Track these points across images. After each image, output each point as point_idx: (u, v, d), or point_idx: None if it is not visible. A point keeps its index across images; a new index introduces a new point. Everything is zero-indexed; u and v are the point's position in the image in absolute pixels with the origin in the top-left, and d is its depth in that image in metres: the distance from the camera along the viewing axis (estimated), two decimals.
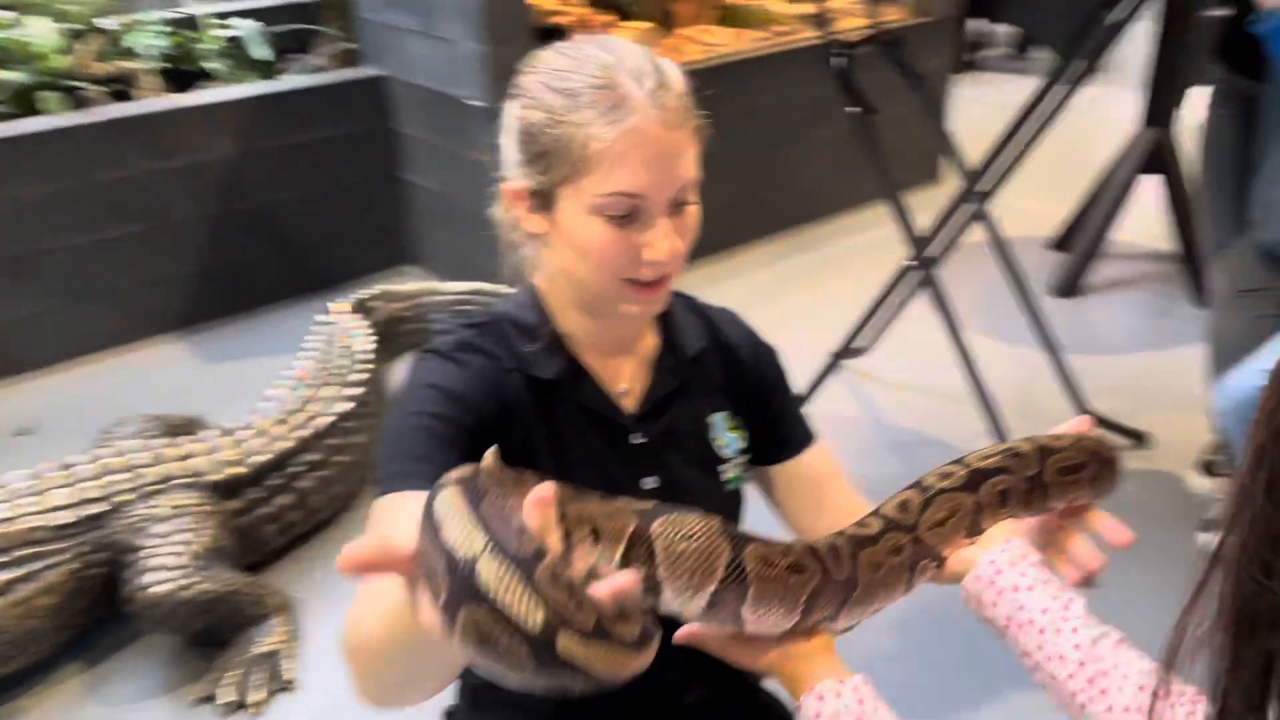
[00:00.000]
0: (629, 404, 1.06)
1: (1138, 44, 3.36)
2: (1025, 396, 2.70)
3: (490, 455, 0.75)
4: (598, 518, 0.71)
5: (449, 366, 1.00)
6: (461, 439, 0.96)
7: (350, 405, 2.43)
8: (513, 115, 0.98)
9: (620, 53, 0.93)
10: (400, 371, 3.17)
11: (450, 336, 1.04)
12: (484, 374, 1.00)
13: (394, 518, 0.92)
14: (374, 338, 2.79)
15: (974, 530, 0.87)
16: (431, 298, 3.19)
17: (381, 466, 0.98)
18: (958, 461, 0.89)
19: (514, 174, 0.99)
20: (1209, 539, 2.19)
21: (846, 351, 2.53)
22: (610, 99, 0.90)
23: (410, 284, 3.21)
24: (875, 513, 0.87)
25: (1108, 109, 4.48)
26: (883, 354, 2.76)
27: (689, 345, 1.10)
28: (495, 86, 3.01)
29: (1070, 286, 3.44)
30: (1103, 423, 2.62)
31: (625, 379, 1.06)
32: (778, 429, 1.15)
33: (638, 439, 1.05)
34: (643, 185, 0.91)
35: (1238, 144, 2.11)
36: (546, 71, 0.95)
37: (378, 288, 3.10)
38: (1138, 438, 2.60)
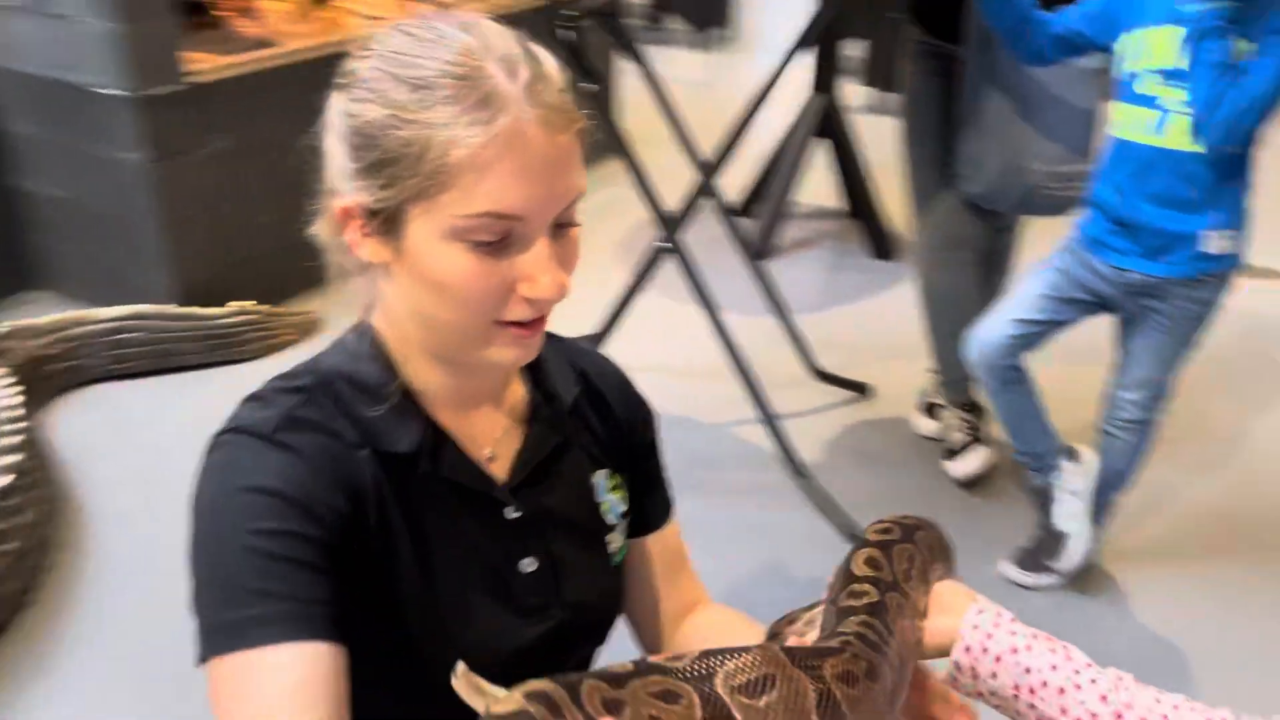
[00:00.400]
0: (498, 471, 0.85)
1: (785, 13, 3.54)
2: (753, 361, 2.73)
3: (463, 679, 0.57)
4: (657, 710, 0.53)
5: (275, 456, 0.74)
6: (312, 555, 0.73)
7: (9, 479, 1.94)
8: (339, 111, 0.74)
9: (484, 34, 0.72)
10: (58, 421, 2.78)
11: (265, 409, 0.77)
12: (324, 460, 0.76)
13: (263, 689, 0.69)
14: (19, 387, 2.26)
15: (927, 582, 0.79)
16: (80, 329, 2.67)
17: (206, 611, 0.72)
18: (879, 520, 0.82)
19: (344, 186, 0.75)
20: (955, 466, 2.33)
21: (599, 338, 2.41)
22: (476, 92, 0.69)
23: (49, 315, 2.66)
24: (853, 579, 0.75)
25: (738, 77, 4.71)
26: (615, 338, 2.67)
27: (564, 393, 0.90)
28: (135, 71, 2.54)
29: (762, 250, 3.55)
30: (830, 378, 2.72)
31: (491, 441, 0.85)
32: (652, 491, 0.99)
33: (512, 513, 0.84)
34: (520, 203, 0.70)
35: (939, 102, 2.23)
36: (388, 56, 0.72)
37: (7, 324, 2.53)
38: (861, 390, 2.73)
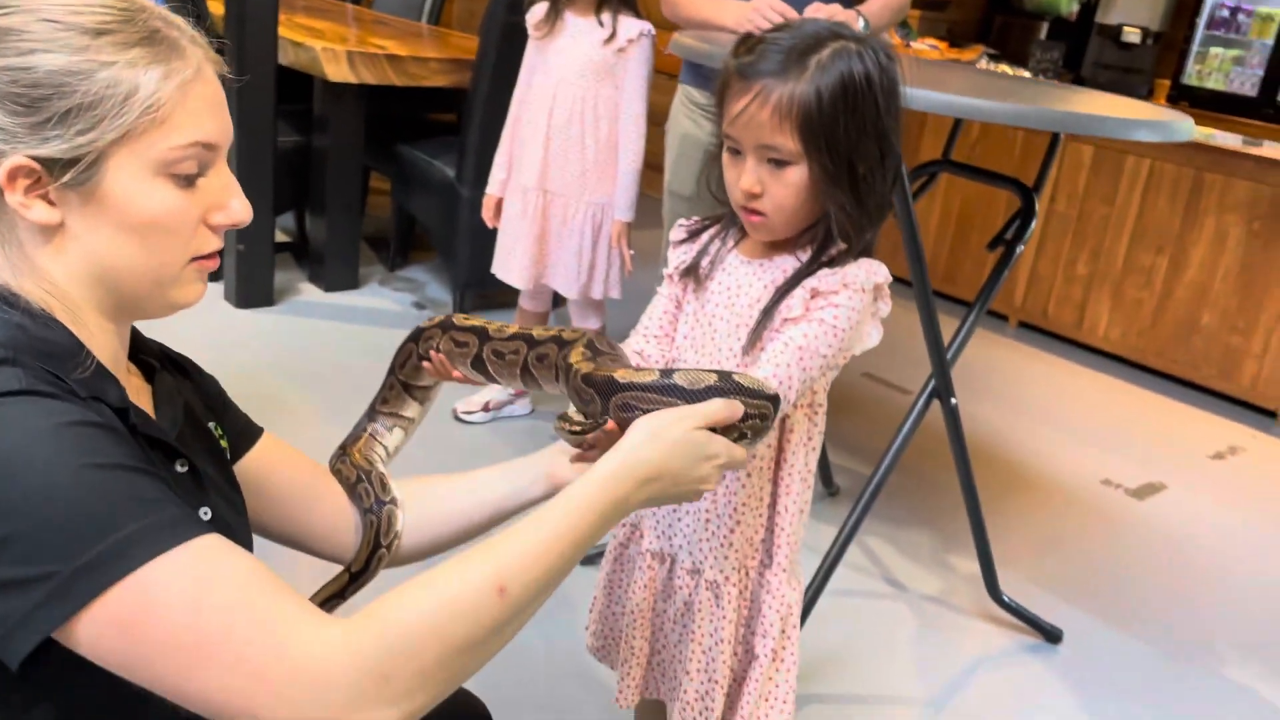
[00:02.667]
0: None
1: None
2: None
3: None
4: None
5: (54, 403, 0.70)
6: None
7: None
8: None
9: None
10: None
11: None
12: (93, 409, 0.74)
13: (237, 569, 0.70)
14: None
15: None
16: None
17: (89, 539, 0.66)
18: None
19: (6, 146, 0.73)
20: None
21: None
22: (160, 35, 0.78)
23: None
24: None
25: None
26: None
27: (154, 351, 0.93)
28: None
29: None
30: None
31: (133, 394, 0.85)
32: (235, 416, 1.02)
33: (181, 467, 0.86)
34: (217, 132, 0.81)
35: None
36: (45, 8, 0.74)
37: None
38: None
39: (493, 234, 2.84)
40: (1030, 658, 2.28)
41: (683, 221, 1.32)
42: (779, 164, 1.12)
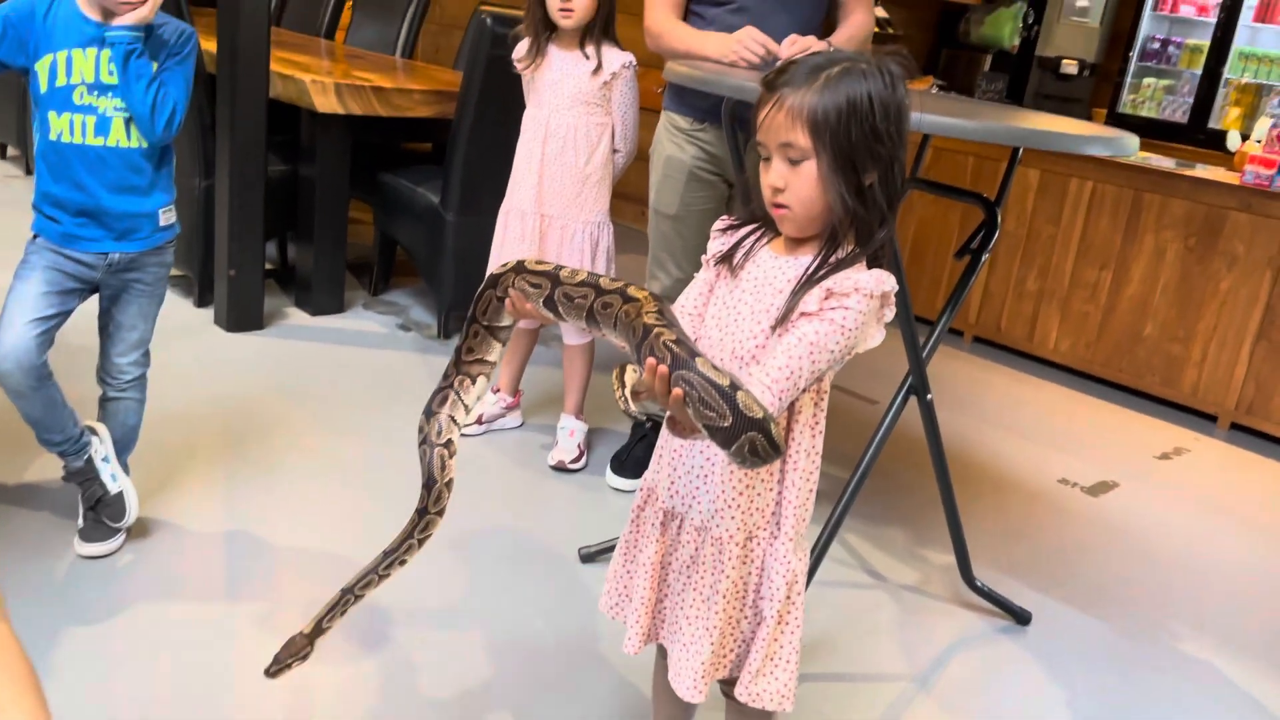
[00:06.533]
0: None
1: None
2: None
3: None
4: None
5: None
6: None
7: None
8: None
9: None
10: None
11: None
12: None
13: None
14: None
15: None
16: None
17: None
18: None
19: None
20: None
21: None
22: None
23: None
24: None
25: None
26: None
27: None
28: None
29: None
30: None
31: None
32: None
33: None
34: None
35: None
36: None
37: None
38: None
39: (477, 258, 2.98)
40: (1003, 638, 2.45)
41: (725, 217, 1.49)
42: (795, 162, 1.30)
